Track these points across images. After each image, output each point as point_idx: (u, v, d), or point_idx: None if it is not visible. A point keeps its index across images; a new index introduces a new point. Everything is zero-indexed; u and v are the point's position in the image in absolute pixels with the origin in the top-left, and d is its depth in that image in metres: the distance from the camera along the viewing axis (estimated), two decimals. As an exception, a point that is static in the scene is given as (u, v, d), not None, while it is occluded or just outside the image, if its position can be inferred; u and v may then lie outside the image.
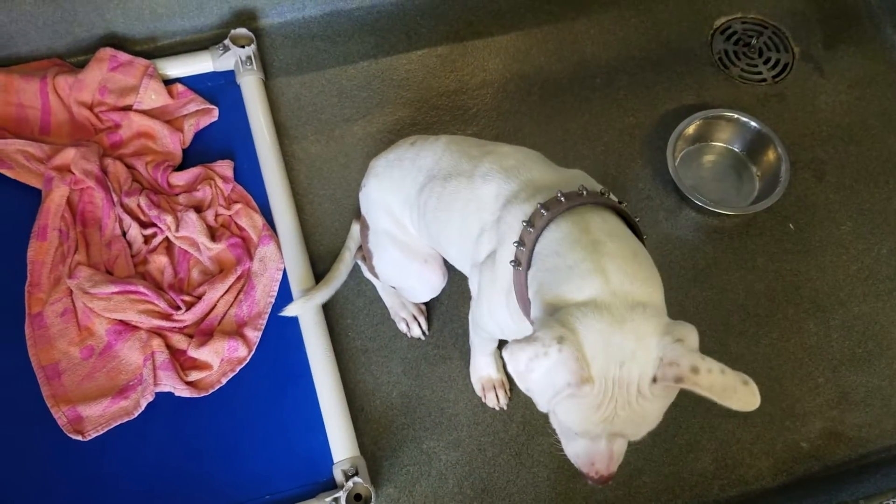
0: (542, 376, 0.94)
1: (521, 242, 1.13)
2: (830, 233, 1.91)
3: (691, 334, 0.97)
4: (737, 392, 0.92)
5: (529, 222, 1.13)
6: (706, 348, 1.74)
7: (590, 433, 1.01)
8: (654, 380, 0.95)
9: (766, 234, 1.90)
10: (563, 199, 1.12)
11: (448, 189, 1.31)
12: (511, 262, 1.15)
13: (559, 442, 1.12)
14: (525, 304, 1.13)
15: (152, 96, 2.00)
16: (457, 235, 1.32)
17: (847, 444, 1.66)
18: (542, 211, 1.12)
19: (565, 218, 1.11)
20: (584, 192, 1.14)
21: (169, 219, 1.82)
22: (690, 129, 1.97)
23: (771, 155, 1.94)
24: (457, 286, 1.76)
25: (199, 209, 1.87)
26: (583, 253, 1.05)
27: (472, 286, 1.35)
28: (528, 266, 1.11)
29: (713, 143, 2.02)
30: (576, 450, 1.08)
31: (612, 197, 1.19)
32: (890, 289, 1.83)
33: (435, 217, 1.35)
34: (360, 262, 1.75)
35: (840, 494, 1.56)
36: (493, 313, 1.28)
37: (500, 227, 1.20)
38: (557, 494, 1.61)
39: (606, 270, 1.01)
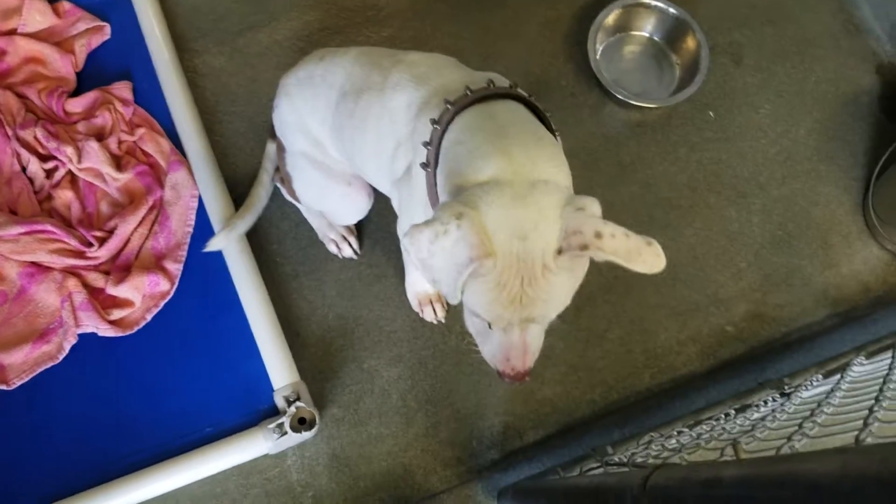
0: (445, 258, 0.92)
1: (429, 142, 1.10)
2: (749, 118, 1.93)
3: (593, 204, 0.95)
4: (641, 254, 0.92)
5: (437, 120, 1.09)
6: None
7: (500, 318, 0.99)
8: (560, 252, 0.94)
9: (688, 123, 1.90)
10: (469, 93, 1.09)
11: (360, 105, 1.25)
12: (422, 164, 1.11)
13: (476, 346, 1.11)
14: None
15: (37, 17, 1.83)
16: (373, 154, 1.27)
17: (770, 324, 1.74)
18: (448, 106, 1.09)
19: (470, 110, 1.08)
20: (492, 85, 1.11)
21: (69, 150, 1.70)
22: (610, 20, 1.93)
23: (690, 42, 1.92)
24: (385, 202, 1.71)
25: (100, 137, 1.76)
26: (485, 136, 1.03)
27: (395, 204, 1.32)
28: (437, 165, 1.08)
29: (633, 33, 1.98)
30: (491, 349, 1.06)
31: (521, 91, 1.15)
32: (808, 169, 1.88)
33: (351, 136, 1.29)
34: (279, 186, 1.68)
35: (765, 373, 1.64)
36: None
37: (414, 137, 1.16)
38: (499, 399, 1.64)
39: (510, 152, 0.99)
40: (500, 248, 0.93)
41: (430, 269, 0.94)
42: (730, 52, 1.99)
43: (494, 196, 0.94)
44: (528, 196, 0.94)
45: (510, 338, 1.02)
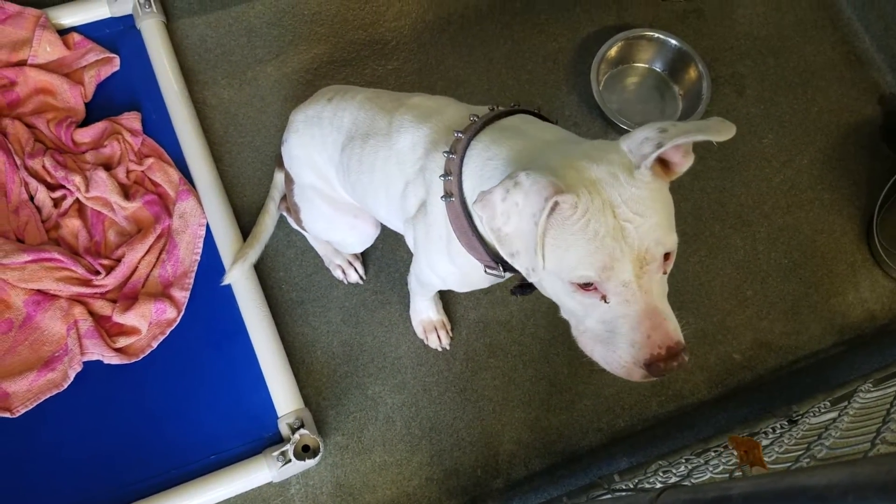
0: (521, 214, 0.85)
1: (447, 173, 1.09)
2: (753, 147, 1.94)
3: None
4: (710, 125, 0.84)
5: (450, 151, 1.10)
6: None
7: (609, 264, 0.84)
8: (637, 168, 0.88)
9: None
10: (476, 119, 1.10)
11: (367, 149, 1.26)
12: (442, 197, 1.11)
13: (604, 370, 0.92)
14: (468, 238, 1.09)
15: (47, 48, 1.86)
16: (383, 195, 1.28)
17: (777, 352, 1.73)
18: (459, 135, 1.09)
19: (485, 132, 1.08)
20: (496, 108, 1.13)
21: (77, 179, 1.72)
22: (612, 52, 1.95)
23: (692, 72, 1.94)
24: (391, 230, 1.72)
25: (108, 167, 1.78)
26: (514, 142, 1.02)
27: (409, 243, 1.32)
28: (461, 192, 1.07)
29: (635, 65, 2.01)
30: (625, 349, 0.87)
31: (525, 105, 1.17)
32: (811, 198, 1.88)
33: (359, 179, 1.30)
34: (285, 215, 1.69)
35: (773, 401, 1.63)
36: (433, 265, 1.25)
37: (425, 175, 1.16)
38: (503, 425, 1.63)
39: (543, 139, 0.99)
40: (575, 182, 0.86)
41: (507, 237, 0.88)
42: (732, 83, 2.01)
43: (551, 151, 0.94)
44: (580, 149, 0.92)
45: (635, 305, 0.85)
